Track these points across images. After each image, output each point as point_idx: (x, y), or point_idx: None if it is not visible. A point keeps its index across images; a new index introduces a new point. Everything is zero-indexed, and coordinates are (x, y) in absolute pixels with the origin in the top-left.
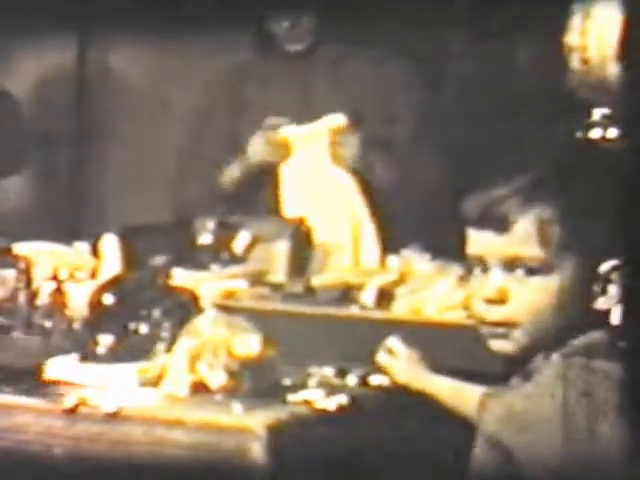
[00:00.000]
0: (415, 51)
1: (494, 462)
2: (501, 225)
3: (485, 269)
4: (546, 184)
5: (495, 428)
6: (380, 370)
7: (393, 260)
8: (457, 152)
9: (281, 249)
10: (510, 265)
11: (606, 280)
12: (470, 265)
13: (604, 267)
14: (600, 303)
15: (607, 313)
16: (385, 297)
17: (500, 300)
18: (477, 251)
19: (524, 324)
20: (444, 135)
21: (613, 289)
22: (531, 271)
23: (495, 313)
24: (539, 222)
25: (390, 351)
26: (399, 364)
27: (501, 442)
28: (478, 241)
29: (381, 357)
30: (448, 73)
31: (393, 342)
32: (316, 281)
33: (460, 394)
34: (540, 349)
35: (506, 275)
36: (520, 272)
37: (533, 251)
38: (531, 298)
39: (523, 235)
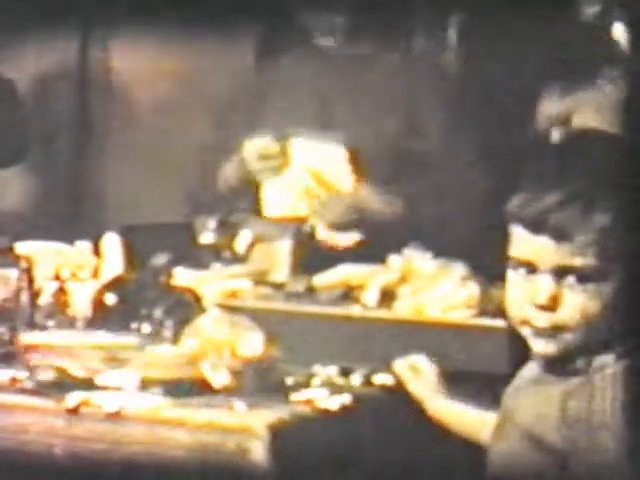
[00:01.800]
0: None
1: (529, 457)
2: (559, 234)
3: (532, 272)
4: (602, 192)
5: (535, 424)
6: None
7: (395, 259)
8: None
9: (283, 248)
10: (562, 272)
11: None
12: (513, 266)
13: None
14: None
15: None
16: (387, 296)
17: (551, 307)
18: (526, 254)
19: (574, 329)
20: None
21: None
22: (584, 278)
23: (545, 319)
24: (598, 232)
25: (414, 368)
26: (418, 383)
27: (541, 438)
28: (528, 244)
29: (401, 369)
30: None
31: (420, 359)
32: (318, 280)
33: (472, 423)
34: (586, 351)
35: (558, 282)
36: (572, 279)
37: (590, 261)
38: (583, 305)
39: (582, 246)
